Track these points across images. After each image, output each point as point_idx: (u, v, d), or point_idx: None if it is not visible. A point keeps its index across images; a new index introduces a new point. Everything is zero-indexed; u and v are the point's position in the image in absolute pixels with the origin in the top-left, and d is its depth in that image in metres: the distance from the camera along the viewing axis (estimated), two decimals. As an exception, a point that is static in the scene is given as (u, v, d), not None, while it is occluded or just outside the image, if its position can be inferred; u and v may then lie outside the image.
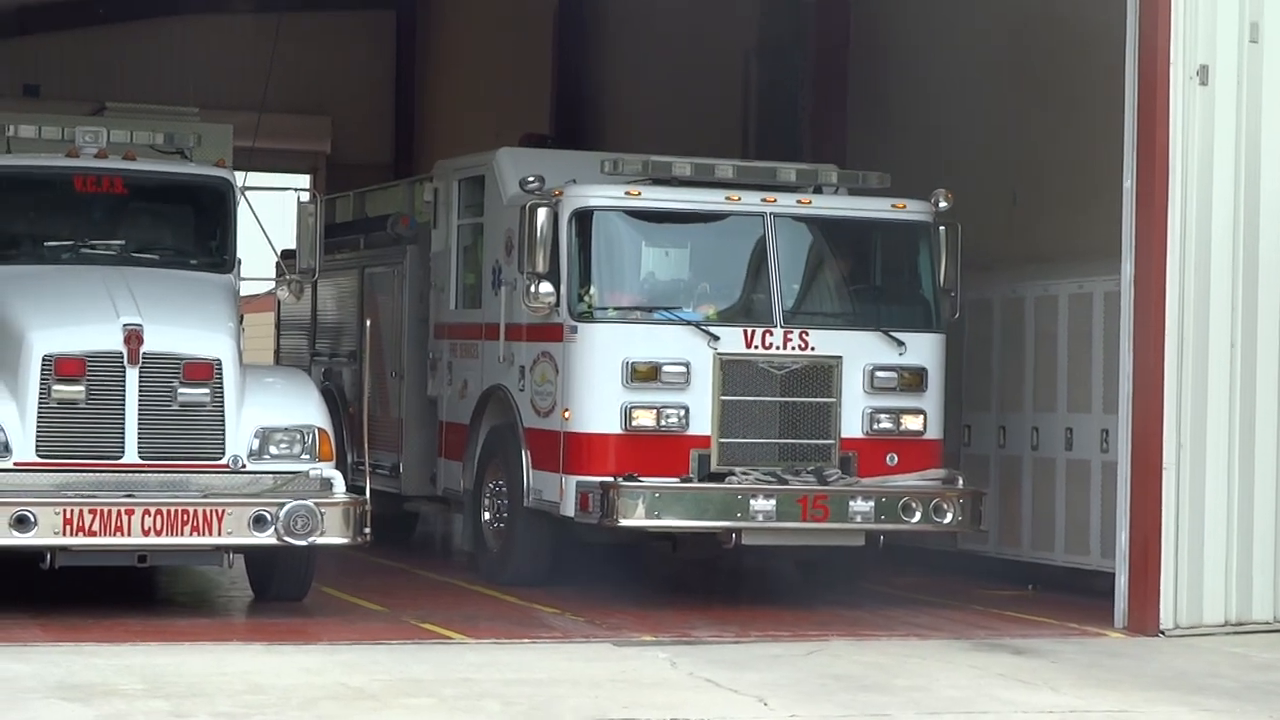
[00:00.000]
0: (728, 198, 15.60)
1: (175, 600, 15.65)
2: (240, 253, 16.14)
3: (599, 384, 15.24)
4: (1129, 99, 14.93)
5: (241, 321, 15.43)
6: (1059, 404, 17.33)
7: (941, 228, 15.95)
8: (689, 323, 15.35)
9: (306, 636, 13.76)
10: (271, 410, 14.47)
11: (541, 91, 26.35)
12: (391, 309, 18.86)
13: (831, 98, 21.16)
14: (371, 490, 14.69)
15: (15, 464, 13.89)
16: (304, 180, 28.86)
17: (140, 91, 20.24)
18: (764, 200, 15.62)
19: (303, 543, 13.98)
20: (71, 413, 14.04)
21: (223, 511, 13.83)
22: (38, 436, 13.96)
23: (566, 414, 15.37)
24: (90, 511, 13.62)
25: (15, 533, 13.46)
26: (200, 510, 13.80)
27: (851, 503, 15.03)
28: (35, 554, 13.81)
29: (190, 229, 16.24)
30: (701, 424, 15.22)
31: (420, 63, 31.13)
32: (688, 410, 15.20)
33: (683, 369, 15.21)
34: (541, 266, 15.21)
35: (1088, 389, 16.96)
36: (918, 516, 15.23)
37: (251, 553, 14.71)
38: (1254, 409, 14.95)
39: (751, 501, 14.86)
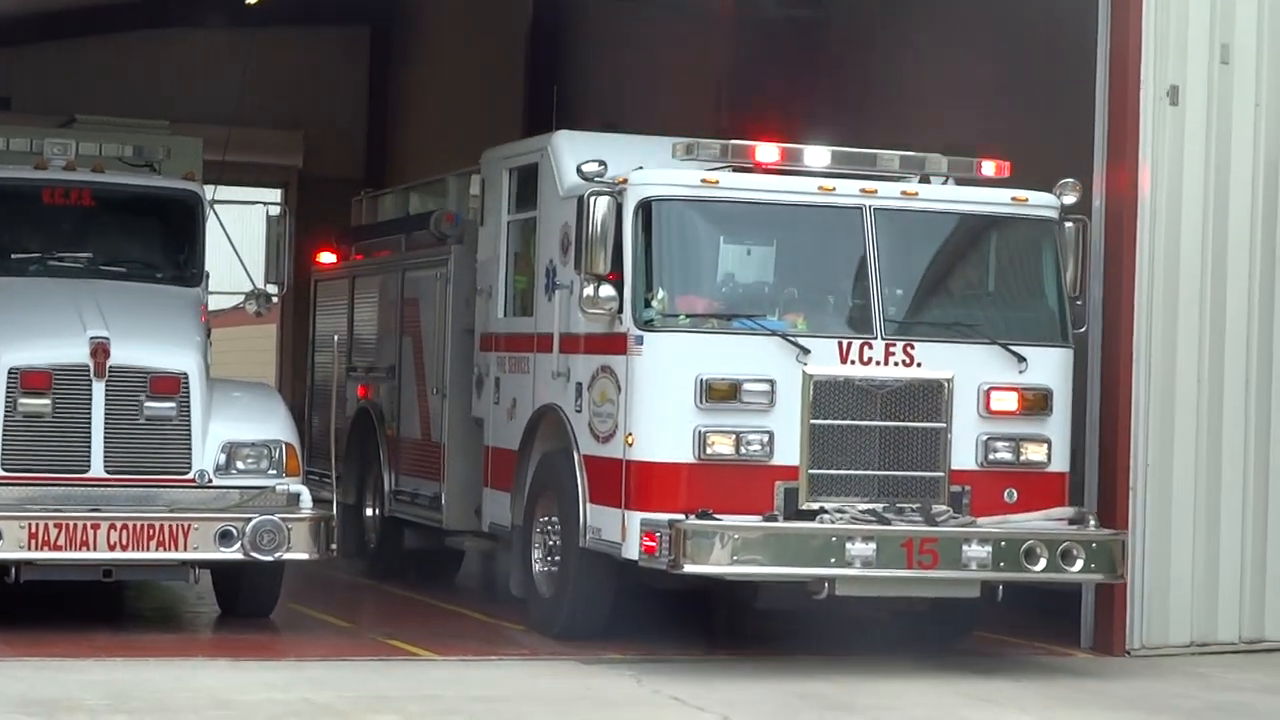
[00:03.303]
0: (820, 188, 13.39)
1: (141, 615, 15.61)
2: (208, 267, 16.13)
3: (668, 404, 12.98)
4: (1099, 118, 14.96)
5: (209, 335, 15.40)
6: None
7: (1068, 224, 13.91)
8: (774, 333, 13.10)
9: (273, 652, 13.75)
10: (238, 424, 14.43)
11: (515, 109, 26.38)
12: (434, 318, 16.70)
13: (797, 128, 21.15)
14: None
15: (-20, 477, 13.88)
16: (275, 195, 28.79)
17: (112, 105, 20.16)
18: (862, 191, 13.45)
19: (269, 558, 13.95)
20: (37, 426, 13.99)
21: (189, 526, 13.80)
22: (3, 450, 13.92)
23: (630, 439, 13.07)
24: (56, 526, 13.58)
25: (-20, 547, 13.47)
26: (166, 525, 13.76)
27: (965, 547, 12.80)
28: (0, 569, 13.75)
29: (158, 242, 16.21)
30: (788, 452, 13.00)
31: (394, 79, 31.16)
32: (772, 436, 12.98)
33: (766, 388, 12.99)
34: (602, 267, 13.00)
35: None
36: (1043, 564, 12.96)
37: (218, 568, 14.64)
38: (1220, 428, 14.98)
39: (848, 545, 12.60)
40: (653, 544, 12.63)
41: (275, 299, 16.81)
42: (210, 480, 14.21)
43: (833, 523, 12.78)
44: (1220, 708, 12.74)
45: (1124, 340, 14.51)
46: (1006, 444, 13.38)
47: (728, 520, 12.59)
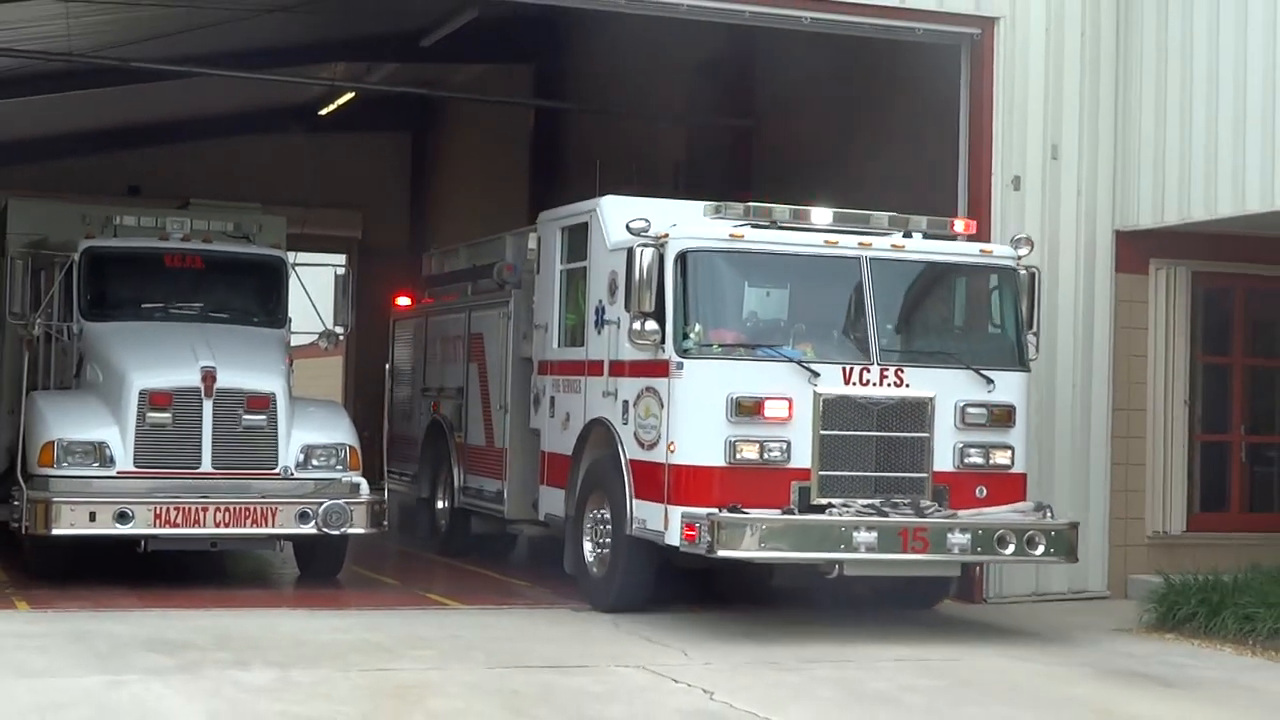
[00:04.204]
0: (826, 241, 12.91)
1: (239, 577, 15.57)
2: (290, 313, 16.15)
3: (704, 418, 12.40)
4: (961, 198, 15.06)
5: (292, 365, 15.41)
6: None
7: (1022, 272, 13.38)
8: (791, 360, 12.58)
9: (339, 604, 13.72)
10: (314, 432, 14.43)
11: (521, 191, 26.42)
12: (497, 348, 16.05)
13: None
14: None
15: (118, 472, 13.85)
16: (340, 259, 28.75)
17: (216, 190, 20.14)
18: (860, 244, 12.94)
19: (336, 532, 13.99)
20: (161, 433, 14.00)
21: (276, 509, 13.82)
22: (135, 451, 13.93)
23: (672, 446, 12.46)
24: (175, 509, 13.61)
25: (118, 525, 13.48)
26: (259, 508, 13.79)
27: (950, 535, 12.31)
28: (133, 541, 13.78)
29: (252, 295, 16.16)
30: (802, 457, 12.44)
31: (430, 170, 31.17)
32: (789, 444, 12.41)
33: (785, 404, 12.44)
34: (648, 305, 12.48)
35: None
36: (1011, 549, 12.47)
37: (297, 540, 14.65)
38: (1053, 440, 15.07)
39: (855, 534, 12.10)
40: (693, 533, 12.13)
41: (341, 337, 16.80)
42: (292, 474, 14.20)
43: (841, 515, 12.26)
44: (1059, 633, 12.94)
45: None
46: (978, 450, 12.91)
47: (754, 513, 12.09)
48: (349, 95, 27.09)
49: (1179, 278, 15.64)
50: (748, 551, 11.99)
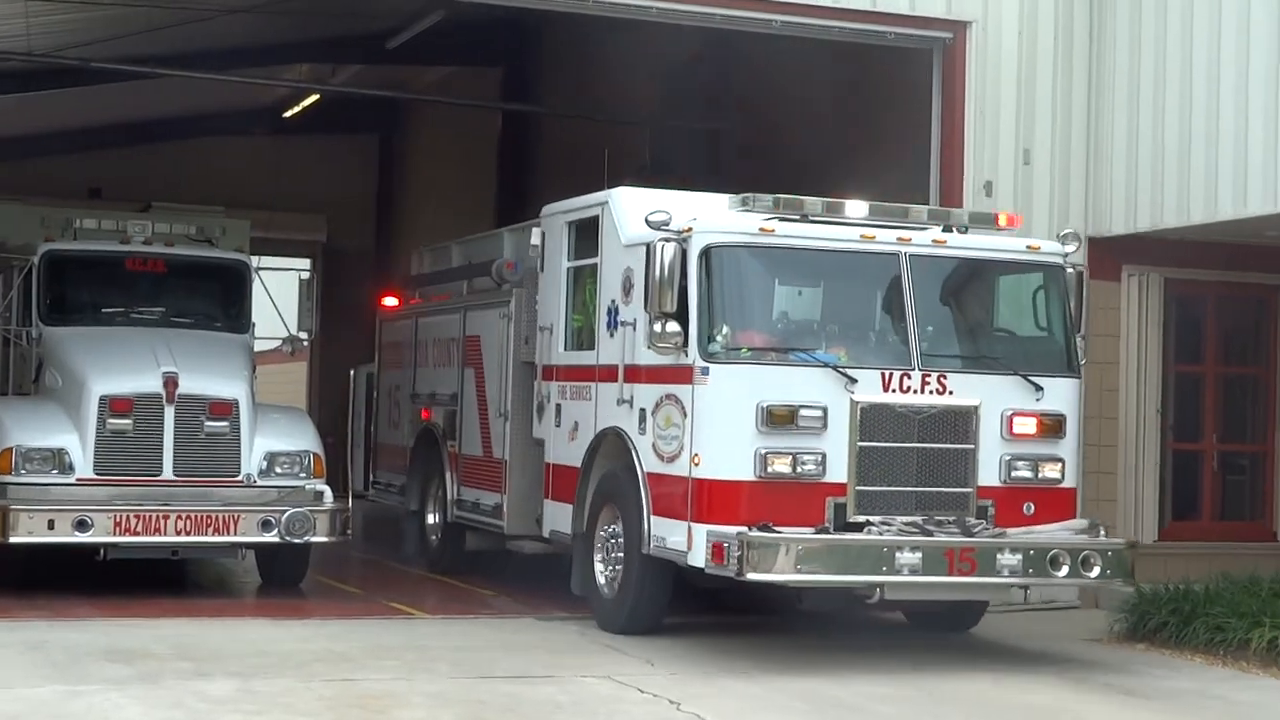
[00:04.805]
0: (862, 235, 11.94)
1: (200, 585, 15.51)
2: (254, 318, 16.11)
3: (732, 428, 11.43)
4: (933, 204, 15.05)
5: (255, 370, 15.37)
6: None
7: (1069, 269, 12.50)
8: (827, 365, 11.60)
9: (302, 613, 13.67)
10: (277, 439, 14.39)
11: (488, 195, 26.41)
12: (495, 351, 14.99)
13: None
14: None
15: (78, 479, 13.81)
16: (305, 263, 28.69)
17: (178, 193, 20.07)
18: (899, 239, 11.97)
19: (299, 541, 13.93)
20: (122, 440, 13.95)
21: (238, 517, 13.77)
22: (95, 458, 13.88)
23: (696, 459, 11.53)
24: (135, 516, 13.53)
25: (77, 533, 13.41)
26: (221, 515, 13.73)
27: (999, 555, 11.36)
28: (92, 549, 13.73)
29: (215, 299, 16.13)
30: (838, 471, 11.47)
31: (396, 174, 31.12)
32: (824, 456, 11.44)
33: (820, 413, 11.45)
34: (669, 306, 11.51)
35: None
36: (1065, 570, 11.55)
37: (260, 548, 14.57)
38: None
39: (897, 554, 11.15)
40: (720, 554, 11.15)
41: (305, 342, 16.76)
42: (255, 481, 14.17)
43: (880, 534, 11.30)
44: (1015, 639, 12.94)
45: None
46: (1026, 463, 11.94)
47: (788, 532, 11.13)
48: (314, 97, 27.06)
49: (1151, 285, 15.72)
50: (782, 574, 11.05)
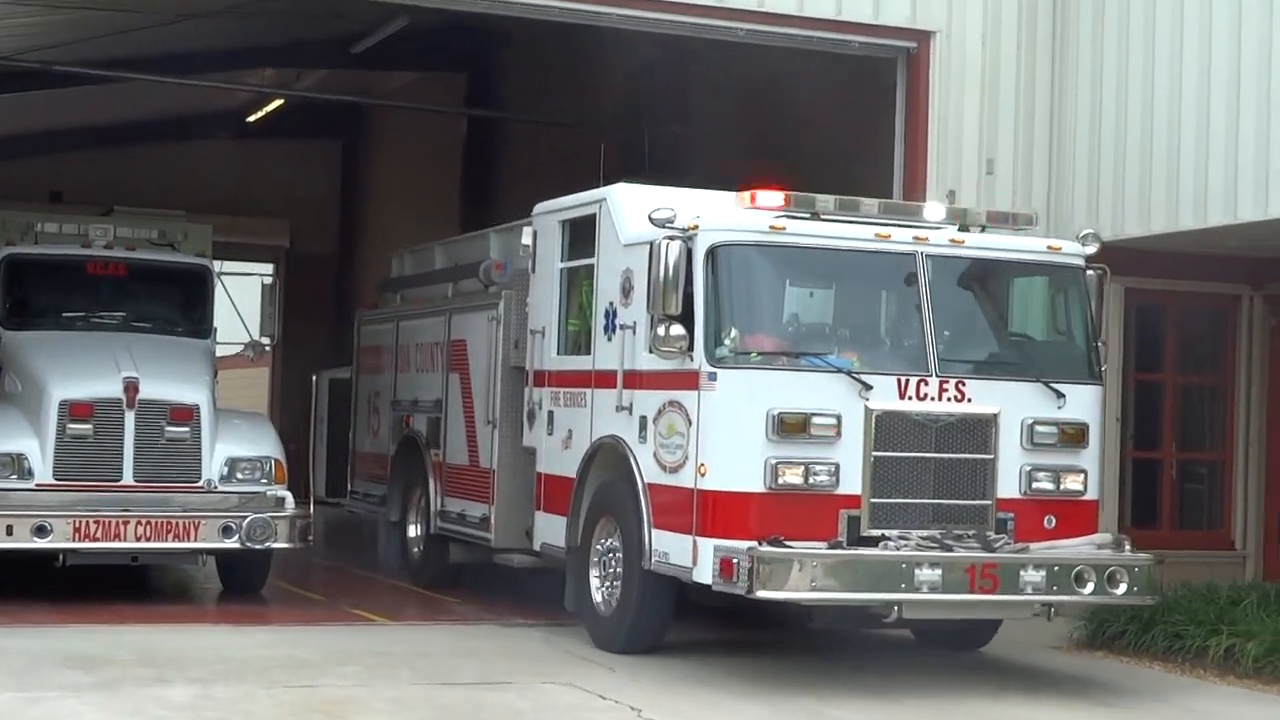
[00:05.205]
0: (877, 234, 11.37)
1: (161, 592, 15.48)
2: (216, 323, 16.10)
3: (740, 437, 10.83)
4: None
5: (216, 376, 15.36)
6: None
7: (1090, 272, 11.96)
8: (840, 370, 11.01)
9: (264, 620, 13.70)
10: (238, 444, 14.35)
11: (452, 199, 26.44)
12: (483, 356, 14.40)
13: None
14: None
15: (37, 485, 13.76)
16: (267, 268, 28.68)
17: (140, 198, 20.04)
18: (915, 239, 11.41)
19: (260, 547, 13.93)
20: (82, 445, 13.91)
21: (199, 523, 13.76)
22: (55, 463, 13.83)
23: (702, 469, 10.94)
24: (95, 522, 13.52)
25: (36, 539, 13.38)
26: (181, 521, 13.72)
27: (1023, 572, 10.80)
28: (50, 555, 13.68)
29: (177, 304, 16.11)
30: (851, 482, 10.89)
31: (360, 179, 31.13)
32: (838, 467, 10.87)
33: (834, 421, 10.87)
34: (673, 308, 10.95)
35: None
36: (1091, 587, 11.00)
37: (221, 555, 14.56)
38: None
39: (917, 571, 10.57)
40: (729, 570, 10.59)
41: (267, 347, 16.75)
42: (216, 487, 14.13)
43: (896, 549, 10.73)
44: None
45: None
46: (1047, 474, 11.39)
47: (803, 547, 10.56)
48: (278, 102, 27.03)
49: (1112, 294, 15.78)
50: (795, 592, 10.48)
